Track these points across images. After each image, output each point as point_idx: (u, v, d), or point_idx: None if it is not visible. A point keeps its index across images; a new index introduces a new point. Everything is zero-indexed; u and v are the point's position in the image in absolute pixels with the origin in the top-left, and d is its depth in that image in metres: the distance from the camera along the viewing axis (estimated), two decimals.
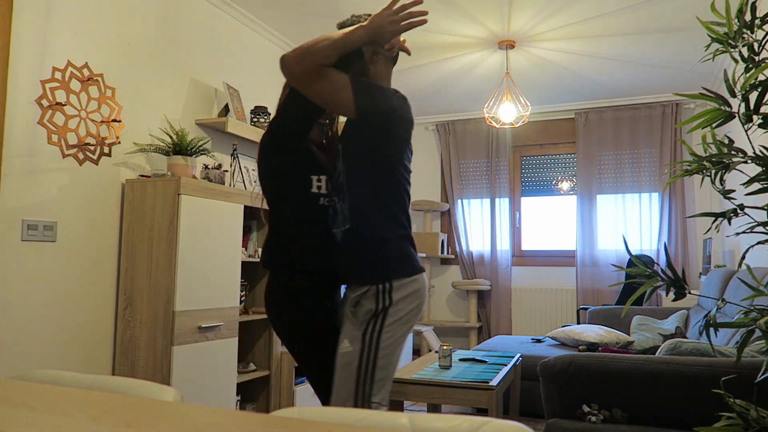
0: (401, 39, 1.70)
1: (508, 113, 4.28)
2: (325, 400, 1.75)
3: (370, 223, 1.62)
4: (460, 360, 3.07)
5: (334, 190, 1.71)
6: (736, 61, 1.50)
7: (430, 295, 6.05)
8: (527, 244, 5.83)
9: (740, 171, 1.72)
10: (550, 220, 5.79)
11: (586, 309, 5.00)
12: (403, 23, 1.55)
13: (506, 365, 2.89)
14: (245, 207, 3.19)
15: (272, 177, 1.78)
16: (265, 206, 1.86)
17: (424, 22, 1.57)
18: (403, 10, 1.55)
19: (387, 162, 1.62)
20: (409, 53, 1.75)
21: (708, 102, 1.48)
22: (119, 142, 2.81)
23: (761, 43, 1.46)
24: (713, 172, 1.52)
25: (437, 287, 6.08)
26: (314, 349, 1.75)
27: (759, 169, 1.42)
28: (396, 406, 2.70)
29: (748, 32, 1.46)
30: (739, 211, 1.49)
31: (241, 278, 3.40)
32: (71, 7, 2.58)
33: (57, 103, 2.49)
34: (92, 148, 2.68)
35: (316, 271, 1.75)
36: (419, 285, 1.63)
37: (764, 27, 1.47)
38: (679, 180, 5.20)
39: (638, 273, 1.51)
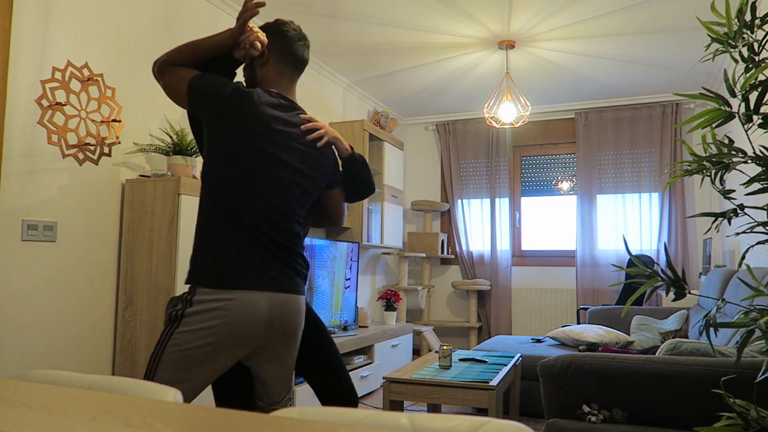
0: (256, 35, 1.64)
1: (508, 113, 4.28)
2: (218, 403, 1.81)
3: (198, 228, 1.59)
4: (460, 360, 3.07)
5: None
6: (736, 61, 1.50)
7: (431, 296, 6.05)
8: (527, 244, 5.83)
9: (740, 171, 1.72)
10: (550, 220, 5.79)
11: (586, 309, 5.00)
12: (242, 17, 1.60)
13: (506, 365, 2.89)
14: None
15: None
16: None
17: (256, 13, 1.60)
18: (245, 6, 1.60)
19: (212, 160, 1.58)
20: (258, 49, 1.66)
21: (708, 102, 1.48)
22: (119, 142, 2.81)
23: (761, 43, 1.46)
24: (713, 172, 1.52)
25: (437, 287, 6.08)
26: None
27: (759, 169, 1.42)
28: (396, 406, 2.70)
29: (748, 32, 1.46)
30: (739, 211, 1.49)
31: None
32: (71, 7, 2.58)
33: (57, 103, 2.49)
34: (92, 148, 2.68)
35: None
36: (223, 305, 1.51)
37: (764, 27, 1.48)
38: (679, 180, 5.20)
39: (638, 273, 1.51)
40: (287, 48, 1.72)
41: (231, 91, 1.58)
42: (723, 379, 1.76)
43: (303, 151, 1.69)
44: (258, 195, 1.58)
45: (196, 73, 1.59)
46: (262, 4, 1.59)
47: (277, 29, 1.73)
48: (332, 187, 1.85)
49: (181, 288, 2.62)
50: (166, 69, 1.61)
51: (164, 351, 1.53)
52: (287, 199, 1.64)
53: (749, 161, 1.44)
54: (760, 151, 1.43)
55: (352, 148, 1.86)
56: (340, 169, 1.86)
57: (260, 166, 1.59)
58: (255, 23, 3.80)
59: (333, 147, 1.82)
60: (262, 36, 1.67)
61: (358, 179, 1.86)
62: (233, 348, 1.56)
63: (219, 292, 1.52)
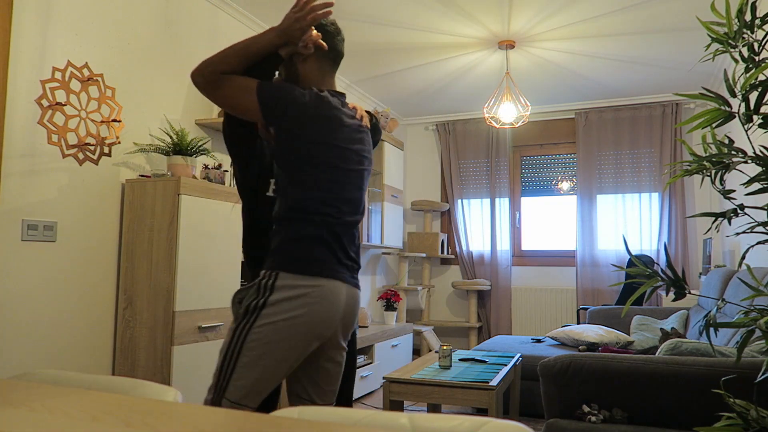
0: (314, 34, 1.63)
1: (508, 113, 4.28)
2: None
3: (281, 219, 1.58)
4: (460, 360, 3.07)
5: (276, 192, 1.71)
6: (736, 61, 1.50)
7: (431, 296, 6.05)
8: (527, 244, 5.83)
9: (740, 171, 1.72)
10: (550, 220, 5.79)
11: (586, 309, 5.00)
12: (308, 17, 1.56)
13: (506, 365, 2.89)
14: None
15: (241, 182, 1.86)
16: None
17: (329, 13, 1.57)
18: (306, 6, 1.56)
19: (303, 162, 1.57)
20: (324, 48, 1.66)
21: (708, 102, 1.48)
22: (119, 142, 2.81)
23: (761, 43, 1.46)
24: (713, 172, 1.52)
25: (437, 287, 6.07)
26: None
27: (759, 169, 1.42)
28: (396, 406, 2.70)
29: (748, 32, 1.46)
30: (739, 211, 1.49)
31: (241, 278, 3.40)
32: (71, 7, 2.58)
33: (57, 103, 2.49)
34: (92, 148, 2.68)
35: None
36: (310, 292, 1.49)
37: (764, 27, 1.48)
38: (679, 180, 5.20)
39: (638, 273, 1.51)
40: (328, 43, 1.69)
41: (309, 97, 1.57)
42: (723, 379, 1.76)
43: (364, 142, 1.71)
44: (341, 192, 1.60)
45: (257, 82, 1.54)
46: (331, 3, 1.59)
47: (321, 28, 1.70)
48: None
49: (182, 288, 2.62)
50: (220, 80, 1.52)
51: (241, 351, 1.47)
52: (361, 194, 1.67)
53: (749, 161, 1.44)
54: (760, 151, 1.43)
55: (375, 118, 1.93)
56: None
57: (341, 162, 1.60)
58: (257, 25, 3.80)
59: None
60: (317, 34, 1.65)
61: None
62: (313, 341, 1.52)
63: (304, 278, 1.49)
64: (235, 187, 3.29)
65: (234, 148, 1.77)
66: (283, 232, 1.56)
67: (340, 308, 1.55)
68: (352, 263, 1.64)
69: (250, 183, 1.83)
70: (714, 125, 1.49)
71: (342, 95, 1.71)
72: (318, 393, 1.66)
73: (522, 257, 5.79)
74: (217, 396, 1.49)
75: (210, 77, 1.52)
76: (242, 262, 3.36)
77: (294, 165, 1.57)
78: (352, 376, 1.89)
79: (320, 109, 1.58)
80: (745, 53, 1.47)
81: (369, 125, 1.80)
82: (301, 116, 1.55)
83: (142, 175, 2.81)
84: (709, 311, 1.44)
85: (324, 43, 1.66)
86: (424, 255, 5.65)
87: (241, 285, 3.30)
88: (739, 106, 1.48)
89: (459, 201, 5.92)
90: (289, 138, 1.56)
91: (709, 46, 1.57)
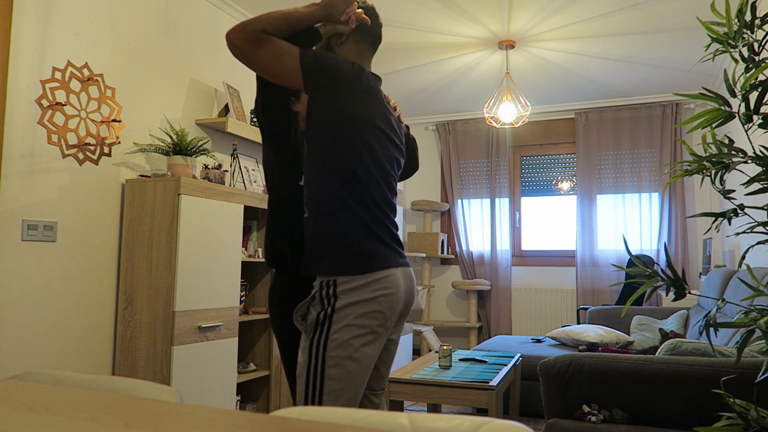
0: (357, 9, 1.58)
1: (508, 113, 4.28)
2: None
3: (321, 213, 1.50)
4: (460, 360, 3.07)
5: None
6: (736, 61, 1.50)
7: (431, 296, 6.05)
8: (527, 244, 5.83)
9: (740, 171, 1.72)
10: (550, 220, 5.79)
11: (586, 309, 5.00)
12: None
13: (506, 365, 2.89)
14: (245, 207, 3.19)
15: (269, 172, 1.78)
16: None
17: None
18: None
19: (341, 140, 1.49)
20: (368, 22, 1.62)
21: (708, 102, 1.48)
22: (119, 142, 2.81)
23: (761, 43, 1.46)
24: (713, 172, 1.52)
25: (437, 287, 6.07)
26: (284, 354, 1.77)
27: (759, 169, 1.42)
28: (396, 406, 2.70)
29: (748, 32, 1.46)
30: (739, 211, 1.49)
31: (241, 278, 3.40)
32: (71, 7, 2.58)
33: (57, 103, 2.49)
34: (92, 148, 2.68)
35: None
36: (377, 287, 1.44)
37: (764, 27, 1.47)
38: (679, 180, 5.20)
39: (638, 273, 1.51)
40: (366, 27, 1.64)
41: (353, 68, 1.50)
42: (723, 379, 1.76)
43: (398, 128, 1.68)
44: (380, 172, 1.54)
45: (298, 49, 1.46)
46: None
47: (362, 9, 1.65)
48: None
49: (182, 288, 2.62)
50: (263, 39, 1.42)
51: (325, 363, 1.41)
52: (395, 176, 1.63)
53: (749, 161, 1.44)
54: (760, 151, 1.43)
55: (407, 127, 1.89)
56: None
57: (380, 142, 1.54)
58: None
59: None
60: (360, 11, 1.60)
61: (410, 156, 1.90)
62: (388, 331, 1.50)
63: (365, 276, 1.44)
64: (239, 187, 3.29)
65: (271, 128, 1.67)
66: (325, 223, 1.50)
67: (401, 292, 1.52)
68: (398, 245, 1.59)
69: (289, 167, 1.74)
70: (714, 125, 1.49)
71: (378, 79, 1.64)
72: (375, 378, 1.63)
73: (522, 257, 5.79)
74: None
75: (252, 35, 1.41)
76: (243, 262, 3.36)
77: (325, 137, 1.49)
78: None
79: (364, 79, 1.52)
80: (745, 53, 1.47)
81: (402, 121, 1.80)
82: (344, 84, 1.48)
83: (142, 175, 2.81)
84: (709, 311, 1.44)
85: (367, 18, 1.60)
86: (424, 255, 5.65)
87: (242, 285, 3.30)
88: (739, 106, 1.48)
89: (459, 201, 5.92)
90: (324, 106, 1.49)
91: (709, 46, 1.57)
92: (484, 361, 3.02)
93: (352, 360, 1.42)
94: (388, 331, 1.51)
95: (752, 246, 1.54)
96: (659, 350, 2.16)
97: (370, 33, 1.64)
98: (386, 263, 1.48)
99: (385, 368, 1.66)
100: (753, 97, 1.42)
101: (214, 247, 2.82)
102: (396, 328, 1.64)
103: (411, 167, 1.93)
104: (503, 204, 5.78)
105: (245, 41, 1.42)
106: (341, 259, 1.46)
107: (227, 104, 3.40)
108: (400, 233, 5.44)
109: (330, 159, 1.49)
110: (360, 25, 1.62)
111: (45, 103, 2.45)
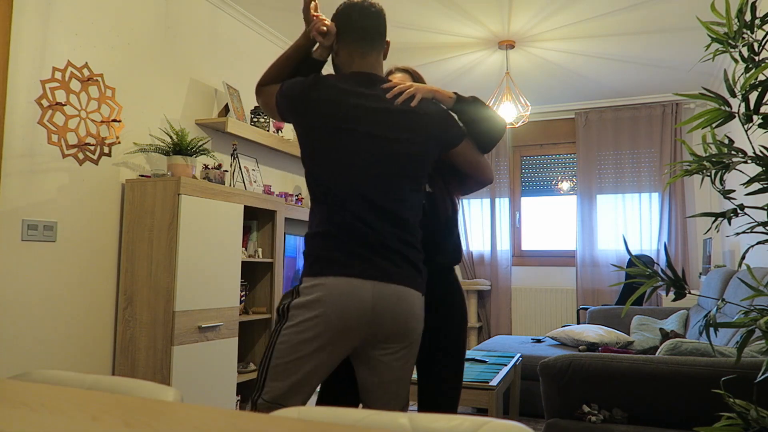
0: (321, 18, 1.59)
1: (508, 113, 4.28)
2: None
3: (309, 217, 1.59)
4: None
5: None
6: (736, 61, 1.50)
7: None
8: (527, 244, 5.83)
9: (740, 171, 1.72)
10: (550, 220, 5.79)
11: (586, 309, 5.00)
12: (303, 6, 1.61)
13: (506, 365, 2.89)
14: (245, 207, 3.19)
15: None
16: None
17: None
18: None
19: (303, 153, 1.57)
20: (326, 31, 1.59)
21: (708, 102, 1.48)
22: (119, 142, 2.81)
23: (761, 43, 1.46)
24: (713, 172, 1.52)
25: None
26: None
27: (759, 169, 1.42)
28: None
29: (748, 32, 1.46)
30: (739, 211, 1.49)
31: (241, 278, 3.39)
32: (71, 7, 2.58)
33: (57, 103, 2.49)
34: (92, 148, 2.68)
35: None
36: (319, 292, 1.42)
37: (764, 27, 1.47)
38: (679, 180, 5.20)
39: (638, 273, 1.51)
40: (347, 26, 1.59)
41: (306, 83, 1.54)
42: (723, 379, 1.76)
43: (391, 119, 1.52)
44: (348, 176, 1.48)
45: (280, 84, 1.60)
46: None
47: (337, 13, 1.62)
48: (454, 145, 1.65)
49: (182, 288, 2.62)
50: (259, 90, 1.65)
51: (273, 354, 1.46)
52: (391, 177, 1.50)
53: (749, 161, 1.44)
54: (760, 151, 1.43)
55: (456, 93, 1.67)
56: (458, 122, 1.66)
57: (346, 146, 1.49)
58: (257, 25, 3.80)
59: (436, 102, 1.63)
60: (326, 19, 1.59)
61: (475, 124, 1.66)
62: (335, 341, 1.44)
63: (315, 278, 1.45)
64: (239, 187, 3.29)
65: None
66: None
67: (361, 305, 1.43)
68: (378, 256, 1.47)
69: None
70: (714, 125, 1.49)
71: (370, 75, 1.57)
72: (368, 400, 1.58)
73: (522, 257, 5.79)
74: (257, 396, 1.49)
75: (257, 90, 1.66)
76: (243, 262, 3.36)
77: (301, 151, 1.57)
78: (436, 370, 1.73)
79: (317, 90, 1.51)
80: (745, 53, 1.47)
81: (443, 104, 1.64)
82: (299, 103, 1.53)
83: (142, 175, 2.81)
84: (709, 311, 1.44)
85: (327, 26, 1.58)
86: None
87: (242, 285, 3.30)
88: (739, 106, 1.48)
89: (459, 201, 5.92)
90: (296, 127, 1.58)
91: (709, 46, 1.57)
92: (484, 361, 3.02)
93: (292, 362, 1.45)
94: (336, 342, 1.44)
95: (752, 246, 1.54)
96: (659, 350, 2.15)
97: (352, 30, 1.59)
98: (336, 270, 1.44)
99: (377, 397, 1.54)
100: (753, 97, 1.42)
101: (214, 247, 2.82)
102: (377, 353, 1.50)
103: (486, 133, 1.69)
104: (503, 204, 5.78)
105: (256, 97, 1.67)
106: (306, 260, 1.53)
107: (227, 104, 3.40)
108: None
109: (305, 170, 1.58)
110: (341, 28, 1.59)
111: (45, 103, 2.45)
